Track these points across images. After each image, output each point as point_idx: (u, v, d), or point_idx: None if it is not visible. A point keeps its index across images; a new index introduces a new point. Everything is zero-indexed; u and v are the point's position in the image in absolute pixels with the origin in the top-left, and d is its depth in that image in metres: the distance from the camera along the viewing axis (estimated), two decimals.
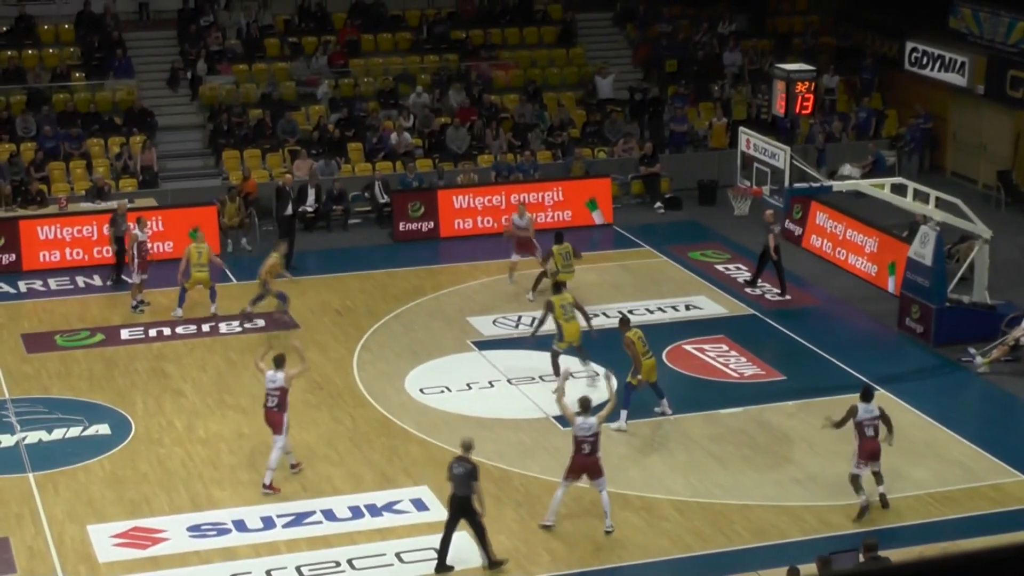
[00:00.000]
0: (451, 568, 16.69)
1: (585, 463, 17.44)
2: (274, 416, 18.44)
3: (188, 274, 24.39)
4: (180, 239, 26.83)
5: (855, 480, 17.98)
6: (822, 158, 32.32)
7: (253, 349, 23.27)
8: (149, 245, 25.34)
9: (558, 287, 22.88)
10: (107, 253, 26.93)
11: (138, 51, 33.51)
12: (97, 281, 26.69)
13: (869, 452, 17.91)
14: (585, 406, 17.49)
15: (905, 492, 18.79)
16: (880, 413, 18.10)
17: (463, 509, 16.58)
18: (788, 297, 25.80)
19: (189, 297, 24.62)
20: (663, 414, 20.73)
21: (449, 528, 16.68)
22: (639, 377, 20.22)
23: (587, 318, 22.24)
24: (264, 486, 18.42)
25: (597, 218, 30.10)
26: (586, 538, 17.55)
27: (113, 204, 28.26)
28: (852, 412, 18.04)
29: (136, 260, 24.74)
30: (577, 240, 26.16)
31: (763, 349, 23.52)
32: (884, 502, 18.13)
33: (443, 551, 16.66)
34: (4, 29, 33.36)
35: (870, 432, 17.91)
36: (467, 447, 16.84)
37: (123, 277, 25.54)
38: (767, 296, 26.08)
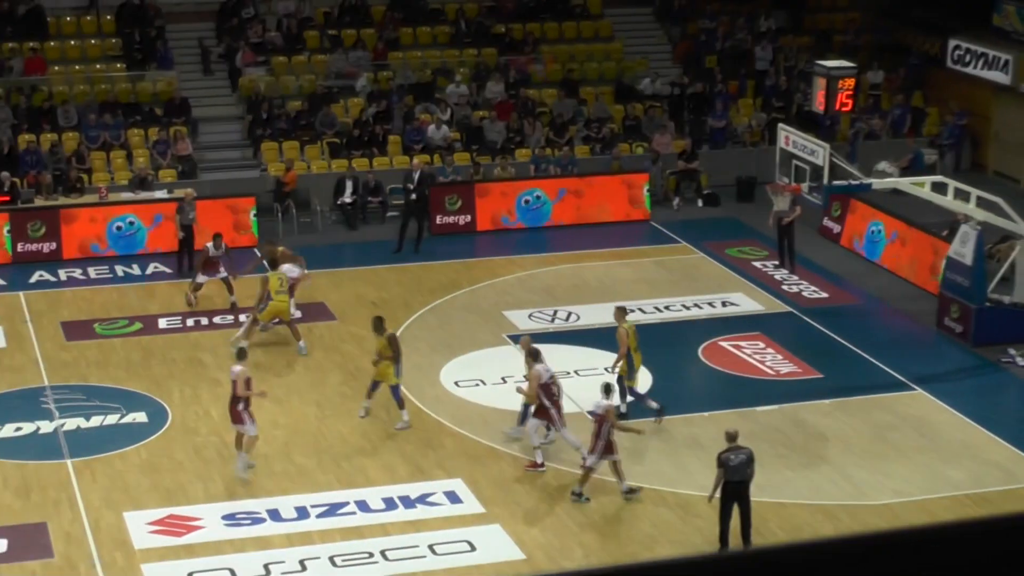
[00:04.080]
0: None
1: None
2: None
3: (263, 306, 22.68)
4: (218, 229, 26.81)
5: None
6: (853, 155, 32.08)
7: (288, 340, 23.35)
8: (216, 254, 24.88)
9: None
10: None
11: (178, 43, 33.69)
12: (136, 270, 26.84)
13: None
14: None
15: (941, 492, 18.67)
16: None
17: (739, 495, 16.90)
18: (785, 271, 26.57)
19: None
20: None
21: (726, 515, 16.92)
22: (619, 368, 20.15)
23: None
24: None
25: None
26: (619, 533, 17.52)
27: (158, 194, 28.47)
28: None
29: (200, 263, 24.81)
30: (612, 235, 26.06)
31: (800, 347, 23.40)
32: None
33: (723, 539, 16.93)
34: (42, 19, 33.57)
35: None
36: (734, 436, 17.08)
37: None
38: (804, 294, 25.97)
